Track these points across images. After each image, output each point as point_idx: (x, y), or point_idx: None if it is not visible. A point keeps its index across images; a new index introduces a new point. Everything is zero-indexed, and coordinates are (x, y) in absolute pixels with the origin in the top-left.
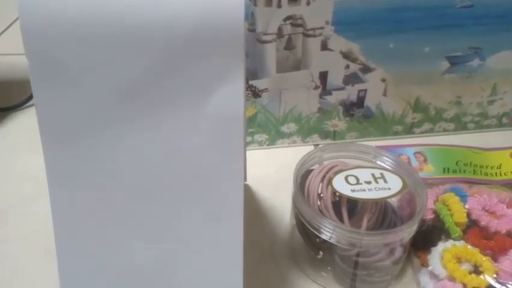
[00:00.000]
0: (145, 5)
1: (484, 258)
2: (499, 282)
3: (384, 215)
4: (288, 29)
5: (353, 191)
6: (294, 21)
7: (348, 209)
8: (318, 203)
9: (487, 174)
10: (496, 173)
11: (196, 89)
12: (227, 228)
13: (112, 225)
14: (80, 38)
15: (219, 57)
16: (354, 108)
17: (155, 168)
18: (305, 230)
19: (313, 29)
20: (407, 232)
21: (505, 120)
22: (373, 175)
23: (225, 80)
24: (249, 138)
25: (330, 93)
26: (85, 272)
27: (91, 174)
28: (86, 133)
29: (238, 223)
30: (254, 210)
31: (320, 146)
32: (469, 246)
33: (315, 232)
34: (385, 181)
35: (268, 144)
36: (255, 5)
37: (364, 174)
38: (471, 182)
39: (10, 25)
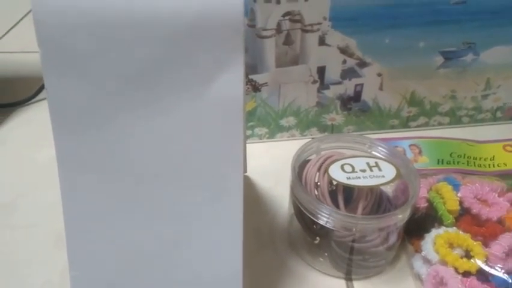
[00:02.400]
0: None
1: (474, 243)
2: (489, 266)
3: (379, 203)
4: (286, 25)
5: (348, 178)
6: (292, 17)
7: (345, 198)
8: (315, 191)
9: (480, 166)
10: (489, 165)
11: (198, 76)
12: (227, 208)
13: (119, 206)
14: (90, 29)
15: (220, 46)
16: (352, 102)
17: (159, 151)
18: (303, 216)
19: (311, 25)
20: (400, 217)
21: (499, 114)
22: (368, 164)
23: (225, 68)
24: (249, 132)
25: (328, 88)
26: (93, 252)
27: (98, 157)
28: (94, 118)
29: (237, 204)
30: (254, 200)
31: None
32: (460, 232)
33: (313, 218)
34: (379, 169)
35: (268, 138)
36: (255, 1)
37: (359, 163)
38: (464, 173)
39: (15, 25)
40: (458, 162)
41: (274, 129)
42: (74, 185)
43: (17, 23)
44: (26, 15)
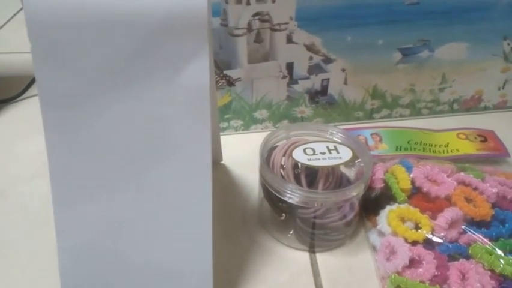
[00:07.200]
0: None
1: (422, 217)
2: (434, 235)
3: (340, 184)
4: (256, 24)
5: (309, 160)
6: (261, 17)
7: (310, 180)
8: (281, 172)
9: (435, 152)
10: (443, 151)
11: (169, 65)
12: (197, 184)
13: (100, 181)
14: (74, 25)
15: (187, 41)
16: (319, 95)
17: (136, 131)
18: (270, 195)
19: (279, 24)
20: (354, 193)
21: (456, 106)
22: (327, 147)
23: (193, 59)
24: (225, 124)
25: (296, 82)
26: (78, 223)
27: (81, 136)
28: (78, 103)
29: (206, 184)
30: (228, 186)
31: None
32: (411, 208)
33: (278, 195)
34: (337, 152)
35: (243, 130)
36: (227, 3)
37: (320, 147)
38: (420, 158)
39: (1, 27)
40: (415, 149)
41: (249, 122)
42: (60, 163)
43: (2, 26)
44: (11, 19)
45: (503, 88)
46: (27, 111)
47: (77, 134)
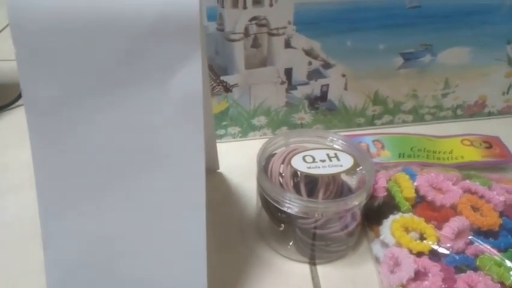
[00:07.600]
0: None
1: (427, 226)
2: (440, 246)
3: (340, 193)
4: (253, 29)
5: (309, 168)
6: (259, 21)
7: (309, 189)
8: (280, 180)
9: (439, 159)
10: (447, 158)
11: (160, 70)
12: (190, 194)
13: (89, 191)
14: (62, 28)
15: (179, 43)
16: (319, 101)
17: (125, 138)
18: (268, 205)
19: (277, 29)
20: (356, 202)
21: (459, 111)
22: (328, 155)
23: (185, 63)
24: (222, 131)
25: (295, 88)
26: (65, 233)
27: (69, 145)
28: (64, 109)
29: (200, 188)
30: (225, 195)
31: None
32: (415, 217)
33: (277, 205)
34: (338, 159)
35: (241, 137)
36: (223, 7)
37: (320, 154)
38: (424, 165)
39: None
40: (418, 156)
41: (247, 129)
42: (47, 172)
43: None
44: (5, 27)
45: (507, 93)
46: (20, 120)
47: (64, 142)
